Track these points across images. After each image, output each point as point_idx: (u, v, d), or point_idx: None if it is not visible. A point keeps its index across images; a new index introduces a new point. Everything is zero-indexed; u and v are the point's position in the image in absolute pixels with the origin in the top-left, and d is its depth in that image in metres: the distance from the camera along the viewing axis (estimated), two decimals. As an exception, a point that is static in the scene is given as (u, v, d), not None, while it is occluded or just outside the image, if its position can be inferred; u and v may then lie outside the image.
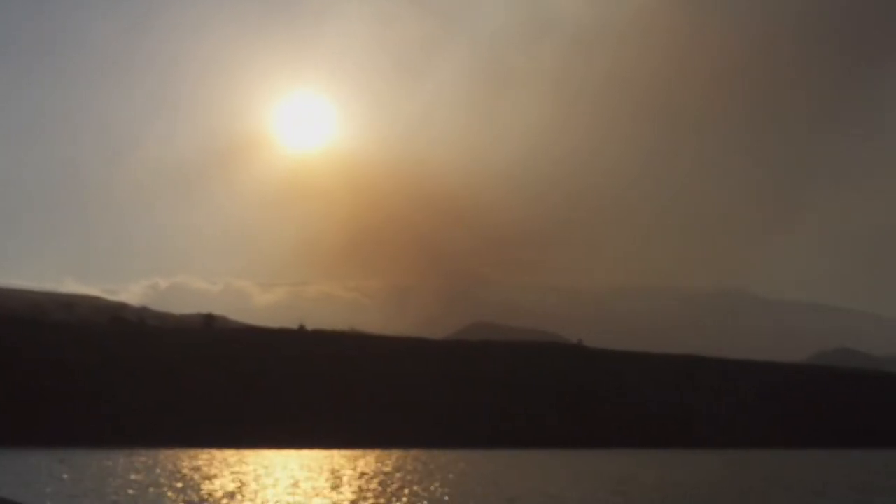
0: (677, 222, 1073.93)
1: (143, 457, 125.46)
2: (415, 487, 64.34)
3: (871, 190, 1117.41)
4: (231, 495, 56.35)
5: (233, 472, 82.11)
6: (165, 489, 59.42)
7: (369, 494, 56.68)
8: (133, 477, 75.77)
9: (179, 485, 64.12)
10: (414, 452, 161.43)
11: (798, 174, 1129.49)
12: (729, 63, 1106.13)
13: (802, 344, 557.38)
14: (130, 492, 60.12)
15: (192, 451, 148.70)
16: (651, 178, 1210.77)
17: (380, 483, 68.60)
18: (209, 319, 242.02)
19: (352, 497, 55.35)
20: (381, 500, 53.59)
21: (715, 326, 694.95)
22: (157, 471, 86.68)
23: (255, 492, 58.32)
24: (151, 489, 60.17)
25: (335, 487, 64.32)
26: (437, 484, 66.90)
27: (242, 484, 65.50)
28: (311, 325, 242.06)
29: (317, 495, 56.17)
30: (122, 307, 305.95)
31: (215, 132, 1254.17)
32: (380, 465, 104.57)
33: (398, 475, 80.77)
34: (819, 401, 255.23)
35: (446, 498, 52.33)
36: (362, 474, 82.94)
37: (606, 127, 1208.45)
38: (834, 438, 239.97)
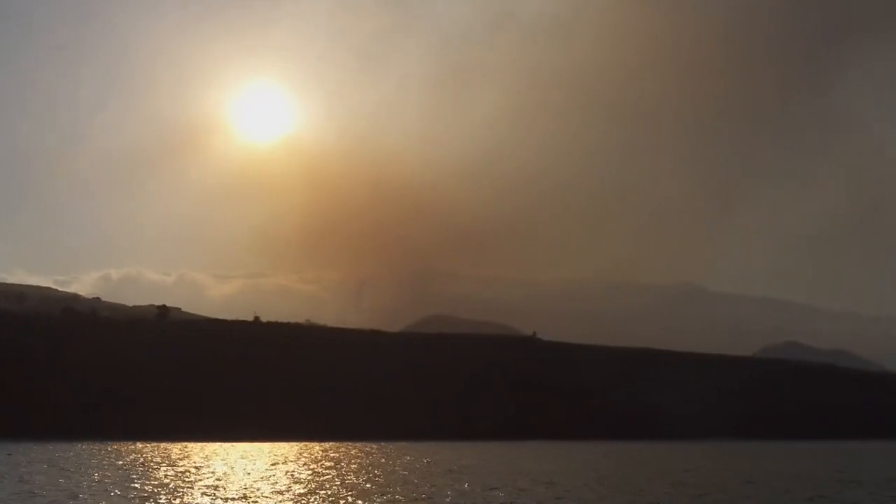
0: (631, 218, 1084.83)
1: (94, 449, 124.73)
2: (348, 479, 64.63)
3: (817, 187, 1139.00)
4: (164, 487, 56.19)
5: (171, 466, 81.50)
6: (89, 484, 58.64)
7: (296, 486, 56.94)
8: (63, 469, 75.08)
9: (111, 480, 62.90)
10: (368, 444, 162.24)
11: (746, 172, 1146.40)
12: (684, 63, 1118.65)
13: (752, 338, 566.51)
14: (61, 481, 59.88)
15: (144, 444, 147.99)
16: (605, 174, 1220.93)
17: (313, 474, 68.73)
18: (163, 311, 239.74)
19: (278, 489, 55.48)
20: (303, 492, 53.92)
21: (668, 320, 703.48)
22: (97, 463, 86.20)
23: (182, 486, 58.08)
24: (85, 483, 59.53)
25: (265, 479, 64.19)
26: (367, 476, 67.34)
27: (175, 478, 64.94)
28: (266, 318, 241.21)
29: (241, 488, 56.15)
30: (74, 298, 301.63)
31: (168, 121, 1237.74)
32: (326, 456, 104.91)
33: (337, 466, 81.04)
34: (768, 393, 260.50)
35: (371, 488, 53.04)
36: (304, 465, 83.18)
37: (564, 123, 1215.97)
38: (782, 430, 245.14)
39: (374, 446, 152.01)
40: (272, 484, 59.78)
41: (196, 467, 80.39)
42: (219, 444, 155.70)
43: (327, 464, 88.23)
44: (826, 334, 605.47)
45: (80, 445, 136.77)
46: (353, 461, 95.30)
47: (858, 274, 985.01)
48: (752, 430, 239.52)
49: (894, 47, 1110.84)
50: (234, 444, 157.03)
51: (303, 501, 49.06)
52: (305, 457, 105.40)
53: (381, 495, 53.69)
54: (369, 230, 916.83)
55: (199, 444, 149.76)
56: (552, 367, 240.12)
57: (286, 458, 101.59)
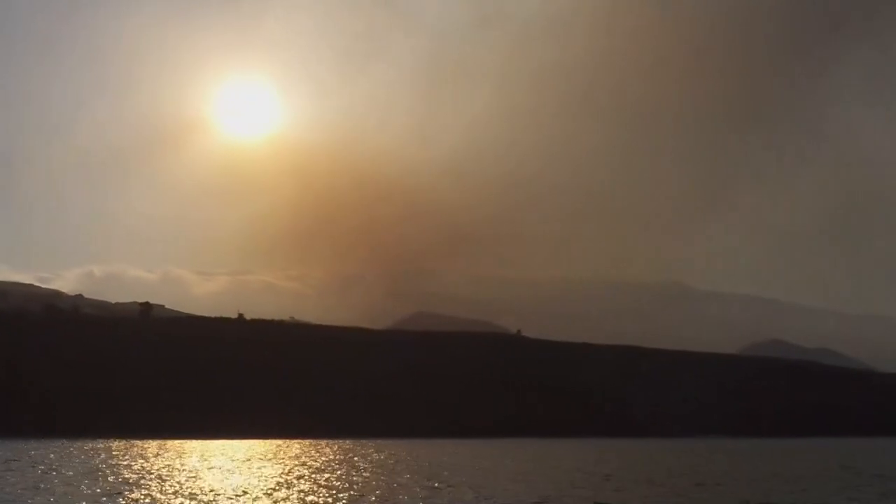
0: (617, 217, 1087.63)
1: (74, 447, 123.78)
2: (325, 475, 64.17)
3: (802, 187, 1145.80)
4: (129, 485, 55.50)
5: (143, 463, 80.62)
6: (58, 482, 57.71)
7: (267, 483, 56.43)
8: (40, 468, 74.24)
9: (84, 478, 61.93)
10: (350, 441, 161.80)
11: (731, 172, 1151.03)
12: (672, 65, 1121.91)
13: (737, 335, 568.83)
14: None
15: (125, 441, 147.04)
16: (592, 174, 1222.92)
17: (286, 472, 68.18)
18: (146, 308, 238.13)
19: (246, 486, 55.01)
20: (274, 488, 53.50)
21: (653, 318, 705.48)
22: (73, 460, 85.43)
23: (151, 483, 57.31)
24: (56, 481, 58.70)
25: (235, 474, 63.60)
26: (340, 473, 66.85)
27: (144, 476, 64.13)
28: (250, 315, 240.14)
29: (207, 484, 55.52)
30: (56, 295, 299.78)
31: (154, 116, 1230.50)
32: (307, 454, 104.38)
33: (313, 464, 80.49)
34: (753, 391, 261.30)
35: (339, 486, 52.75)
36: (278, 463, 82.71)
37: (549, 120, 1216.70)
38: (768, 427, 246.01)
39: (352, 443, 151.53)
40: (220, 481, 59.07)
41: (167, 464, 79.64)
42: (201, 441, 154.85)
43: (292, 462, 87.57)
44: (810, 332, 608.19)
45: (61, 443, 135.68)
46: (323, 458, 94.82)
47: (842, 273, 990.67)
48: (738, 428, 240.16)
49: (879, 49, 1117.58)
50: (217, 441, 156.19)
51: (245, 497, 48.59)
52: (280, 455, 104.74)
53: (315, 490, 53.82)
54: (355, 227, 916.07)
55: (181, 442, 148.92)
56: (537, 365, 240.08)
57: (261, 455, 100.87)
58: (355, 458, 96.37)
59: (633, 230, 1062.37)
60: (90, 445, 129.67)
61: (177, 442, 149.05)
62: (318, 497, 46.29)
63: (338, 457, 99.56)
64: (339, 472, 68.63)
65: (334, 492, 49.33)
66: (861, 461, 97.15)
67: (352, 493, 50.00)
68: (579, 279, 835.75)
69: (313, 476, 64.17)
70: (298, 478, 62.99)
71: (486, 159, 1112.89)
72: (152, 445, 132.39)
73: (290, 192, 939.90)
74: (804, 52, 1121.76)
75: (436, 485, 54.31)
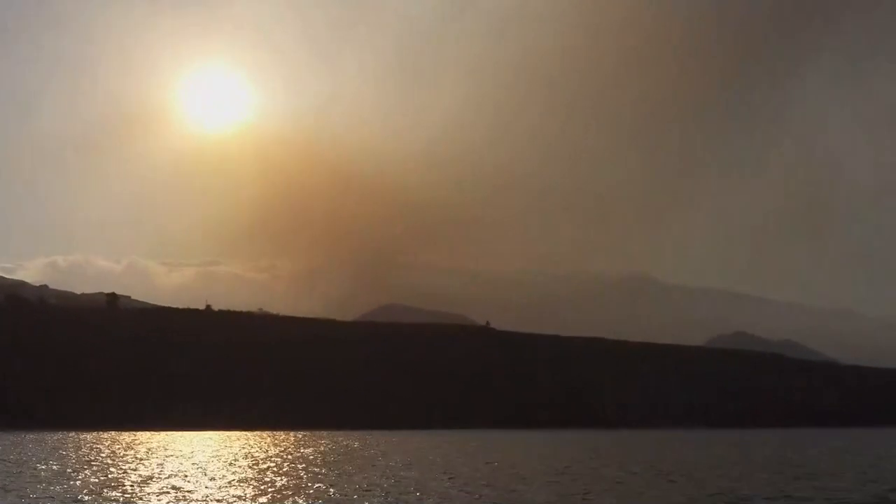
0: (584, 210, 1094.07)
1: (38, 439, 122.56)
2: (285, 468, 64.00)
3: (765, 180, 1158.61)
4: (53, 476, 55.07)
5: (110, 456, 79.98)
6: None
7: (216, 475, 56.31)
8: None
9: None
10: (319, 433, 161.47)
11: (695, 165, 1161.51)
12: (638, 58, 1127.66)
13: (702, 328, 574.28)
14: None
15: (90, 434, 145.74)
16: (559, 166, 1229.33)
17: (238, 466, 67.92)
18: (112, 299, 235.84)
19: (195, 477, 54.99)
20: (219, 479, 53.41)
21: (620, 311, 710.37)
22: (35, 453, 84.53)
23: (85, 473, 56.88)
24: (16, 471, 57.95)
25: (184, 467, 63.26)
26: (288, 465, 66.77)
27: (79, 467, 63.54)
28: (218, 306, 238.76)
29: (144, 475, 55.30)
30: (21, 285, 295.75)
31: (119, 104, 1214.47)
32: (267, 446, 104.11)
33: (275, 456, 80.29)
34: (718, 383, 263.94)
35: (283, 481, 52.78)
36: (232, 454, 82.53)
37: (519, 113, 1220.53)
38: (733, 418, 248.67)
39: (328, 434, 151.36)
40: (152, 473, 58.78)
41: (121, 457, 78.98)
42: (166, 433, 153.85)
43: (238, 453, 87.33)
44: (774, 325, 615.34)
45: (25, 435, 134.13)
46: (274, 450, 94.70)
47: (805, 266, 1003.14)
48: (704, 419, 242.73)
49: (846, 44, 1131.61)
50: (183, 432, 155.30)
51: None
52: (234, 447, 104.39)
53: (242, 478, 54.39)
54: (323, 219, 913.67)
55: (146, 434, 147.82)
56: (505, 357, 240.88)
57: (213, 448, 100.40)
58: (306, 450, 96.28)
59: (600, 223, 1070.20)
60: (56, 437, 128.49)
61: (144, 434, 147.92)
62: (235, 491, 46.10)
63: (286, 448, 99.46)
64: (284, 464, 68.55)
65: (260, 485, 48.99)
66: (824, 452, 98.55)
67: (291, 485, 49.94)
68: (547, 272, 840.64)
69: (248, 468, 63.89)
70: (232, 470, 62.63)
71: (455, 151, 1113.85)
72: (123, 436, 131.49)
73: (259, 183, 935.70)
74: (771, 49, 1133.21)
75: (356, 477, 54.23)
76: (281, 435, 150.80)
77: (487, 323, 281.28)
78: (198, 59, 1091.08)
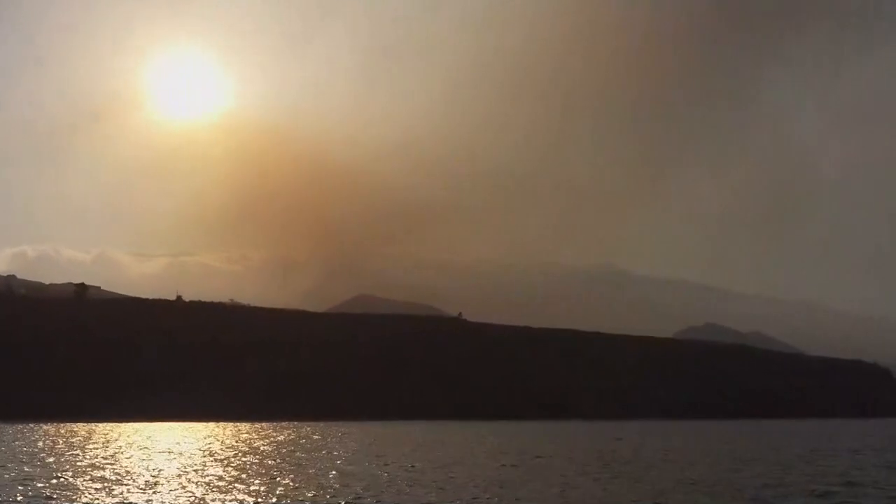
0: (556, 201, 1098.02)
1: (5, 430, 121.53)
2: (244, 458, 64.05)
3: (734, 174, 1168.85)
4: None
5: (73, 448, 79.62)
6: None
7: (170, 466, 56.36)
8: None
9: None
10: (289, 424, 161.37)
11: (665, 158, 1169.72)
12: (609, 50, 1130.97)
13: (672, 319, 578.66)
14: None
15: (60, 425, 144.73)
16: (531, 158, 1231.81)
17: (194, 455, 67.96)
18: (81, 289, 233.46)
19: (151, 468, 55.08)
20: (166, 470, 53.54)
21: (590, 302, 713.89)
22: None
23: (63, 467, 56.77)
24: None
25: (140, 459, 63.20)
26: (255, 456, 66.88)
27: (62, 459, 63.30)
28: (189, 297, 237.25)
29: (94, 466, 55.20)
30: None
31: (87, 92, 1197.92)
32: (232, 437, 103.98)
33: (237, 447, 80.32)
34: (689, 374, 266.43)
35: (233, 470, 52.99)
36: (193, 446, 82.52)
37: (492, 106, 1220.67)
38: (703, 409, 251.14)
39: (298, 425, 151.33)
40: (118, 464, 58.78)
41: (88, 448, 78.72)
42: (136, 424, 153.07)
43: (199, 445, 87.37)
44: (743, 317, 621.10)
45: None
46: (235, 441, 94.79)
47: (774, 259, 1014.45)
48: (674, 410, 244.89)
49: (816, 39, 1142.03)
50: (153, 424, 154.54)
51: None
52: (196, 437, 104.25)
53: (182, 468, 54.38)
54: (296, 210, 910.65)
55: (115, 425, 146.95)
56: (478, 349, 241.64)
57: (173, 438, 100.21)
58: (266, 441, 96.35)
59: (572, 216, 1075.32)
60: (20, 427, 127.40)
61: (112, 425, 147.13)
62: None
63: (244, 439, 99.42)
64: (245, 456, 68.73)
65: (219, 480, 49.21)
66: (789, 442, 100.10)
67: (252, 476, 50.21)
68: (519, 263, 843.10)
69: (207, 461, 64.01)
70: (194, 461, 62.67)
71: (427, 142, 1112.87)
72: (92, 427, 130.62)
73: (231, 174, 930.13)
74: (739, 43, 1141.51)
75: (310, 470, 54.57)
76: (251, 426, 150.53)
77: (459, 314, 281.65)
78: (171, 47, 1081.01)
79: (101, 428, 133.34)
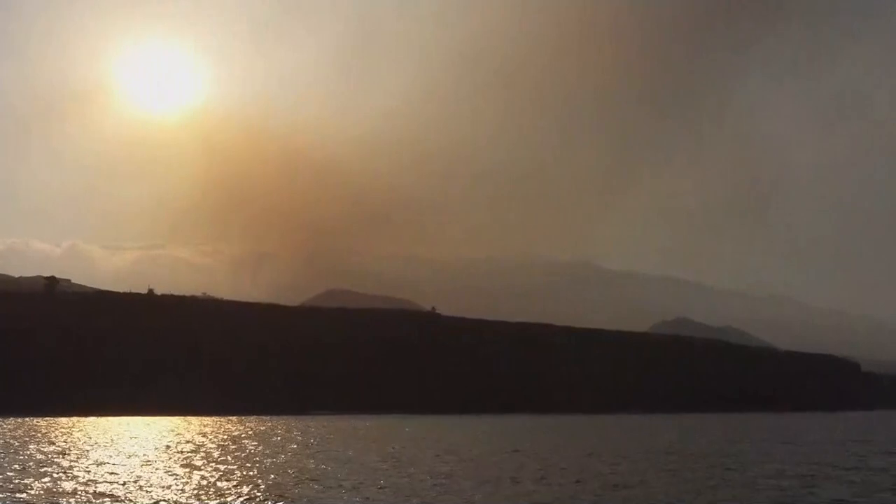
0: (529, 196, 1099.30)
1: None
2: (213, 453, 63.48)
3: (707, 170, 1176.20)
4: None
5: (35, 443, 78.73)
6: None
7: (135, 461, 55.77)
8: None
9: None
10: (260, 419, 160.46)
11: (638, 154, 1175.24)
12: (584, 47, 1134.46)
13: (645, 314, 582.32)
14: None
15: (27, 420, 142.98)
16: (506, 153, 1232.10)
17: (158, 450, 67.42)
18: (51, 282, 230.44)
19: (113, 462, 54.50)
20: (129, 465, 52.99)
21: (565, 297, 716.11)
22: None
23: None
24: None
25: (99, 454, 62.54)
26: (218, 452, 66.38)
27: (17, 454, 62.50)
28: (161, 290, 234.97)
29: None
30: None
31: (59, 83, 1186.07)
32: (202, 432, 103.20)
33: (200, 443, 79.67)
34: (661, 368, 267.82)
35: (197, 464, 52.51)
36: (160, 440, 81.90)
37: (464, 99, 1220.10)
38: (675, 404, 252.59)
39: (270, 420, 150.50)
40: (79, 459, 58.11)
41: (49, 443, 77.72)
42: (108, 418, 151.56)
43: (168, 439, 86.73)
44: (715, 311, 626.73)
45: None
46: (193, 435, 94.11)
47: (745, 254, 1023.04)
48: (647, 404, 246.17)
49: (785, 35, 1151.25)
50: (122, 417, 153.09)
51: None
52: (160, 431, 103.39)
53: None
54: (269, 203, 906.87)
55: (83, 419, 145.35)
56: (451, 343, 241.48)
57: (138, 433, 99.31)
58: (221, 436, 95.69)
59: (545, 210, 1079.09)
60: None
61: (82, 419, 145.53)
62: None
63: (205, 432, 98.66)
64: (181, 444, 68.26)
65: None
66: (758, 436, 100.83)
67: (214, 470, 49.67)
68: (493, 257, 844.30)
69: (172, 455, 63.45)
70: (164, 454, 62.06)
71: (402, 137, 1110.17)
72: (61, 422, 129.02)
73: (204, 166, 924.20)
74: (712, 39, 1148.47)
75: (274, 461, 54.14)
76: (222, 420, 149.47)
77: (433, 308, 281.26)
78: (144, 39, 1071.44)
79: (65, 422, 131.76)
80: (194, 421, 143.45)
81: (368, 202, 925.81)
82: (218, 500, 35.69)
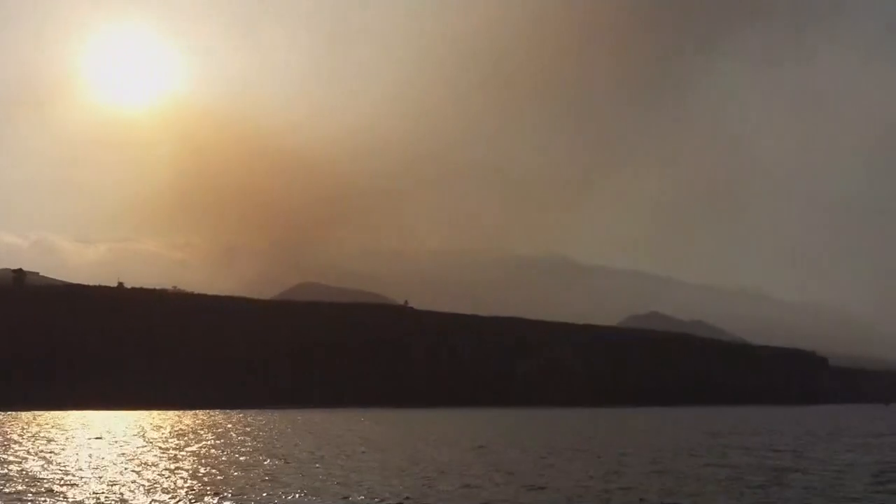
0: (502, 190, 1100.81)
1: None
2: (183, 448, 63.21)
3: (677, 164, 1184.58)
4: None
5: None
6: None
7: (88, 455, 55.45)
8: None
9: None
10: (232, 412, 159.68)
11: (609, 148, 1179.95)
12: (555, 39, 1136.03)
13: (617, 308, 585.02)
14: None
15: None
16: (478, 146, 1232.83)
17: (118, 444, 67.04)
18: (19, 275, 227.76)
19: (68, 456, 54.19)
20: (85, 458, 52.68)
21: (537, 290, 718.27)
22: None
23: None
24: None
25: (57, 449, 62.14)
26: (176, 444, 66.18)
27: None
28: (131, 284, 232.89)
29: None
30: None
31: (26, 69, 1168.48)
32: (170, 425, 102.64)
33: (169, 436, 79.20)
34: (633, 362, 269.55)
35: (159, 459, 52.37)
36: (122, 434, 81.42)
37: (438, 93, 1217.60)
38: (647, 396, 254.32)
39: (244, 413, 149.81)
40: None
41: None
42: (77, 412, 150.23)
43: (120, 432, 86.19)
44: (685, 305, 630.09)
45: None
46: (166, 429, 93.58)
47: (715, 248, 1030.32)
48: (619, 397, 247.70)
49: (756, 29, 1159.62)
50: (91, 412, 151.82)
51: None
52: (125, 425, 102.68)
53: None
54: (241, 196, 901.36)
55: (52, 413, 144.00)
56: (424, 336, 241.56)
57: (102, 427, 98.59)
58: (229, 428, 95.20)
59: (518, 204, 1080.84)
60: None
61: (51, 413, 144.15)
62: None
63: (174, 426, 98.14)
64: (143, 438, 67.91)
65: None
66: (728, 428, 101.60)
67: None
68: (466, 251, 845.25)
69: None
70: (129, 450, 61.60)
71: (375, 129, 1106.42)
72: (25, 416, 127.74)
73: (176, 159, 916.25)
74: (682, 33, 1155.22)
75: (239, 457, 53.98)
76: (188, 414, 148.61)
77: (406, 302, 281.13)
78: (115, 27, 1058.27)
79: (27, 417, 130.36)
80: (156, 415, 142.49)
81: (342, 196, 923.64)
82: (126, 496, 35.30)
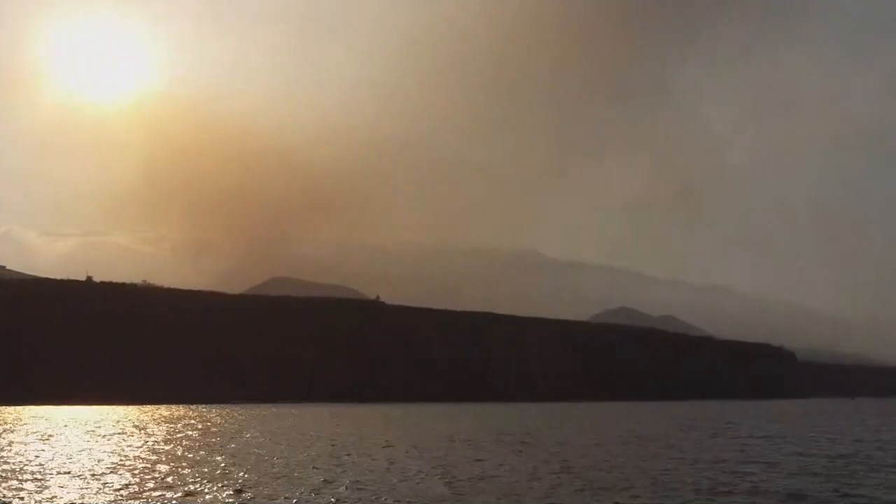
0: (473, 184, 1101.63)
1: None
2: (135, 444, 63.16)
3: (648, 160, 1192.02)
4: None
5: None
6: None
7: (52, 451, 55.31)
8: None
9: None
10: (200, 408, 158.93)
11: (580, 143, 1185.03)
12: (526, 36, 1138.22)
13: (587, 303, 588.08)
14: None
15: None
16: (450, 141, 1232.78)
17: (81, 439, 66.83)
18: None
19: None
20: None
21: (508, 286, 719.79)
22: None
23: None
24: None
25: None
26: (142, 440, 66.03)
27: None
28: (100, 278, 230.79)
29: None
30: None
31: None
32: (135, 420, 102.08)
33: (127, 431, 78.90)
34: (604, 357, 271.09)
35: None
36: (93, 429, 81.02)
37: (409, 87, 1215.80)
38: (618, 391, 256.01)
39: (212, 409, 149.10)
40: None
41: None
42: (44, 407, 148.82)
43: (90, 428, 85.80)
44: (655, 301, 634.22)
45: None
46: (138, 424, 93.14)
47: (685, 244, 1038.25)
48: (591, 392, 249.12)
49: (725, 26, 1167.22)
50: (60, 407, 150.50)
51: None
52: (93, 421, 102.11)
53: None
54: (212, 191, 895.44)
55: (19, 408, 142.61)
56: (395, 331, 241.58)
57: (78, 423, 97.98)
58: (161, 424, 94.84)
59: (490, 199, 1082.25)
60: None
61: (17, 409, 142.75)
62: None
63: (148, 421, 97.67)
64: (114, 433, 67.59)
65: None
66: (700, 421, 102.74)
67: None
68: (439, 246, 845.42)
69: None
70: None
71: (348, 124, 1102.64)
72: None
73: (146, 151, 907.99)
74: (651, 29, 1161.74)
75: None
76: (160, 408, 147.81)
77: (377, 297, 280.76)
78: (85, 18, 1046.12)
79: (8, 411, 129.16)
80: (120, 410, 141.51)
81: (314, 189, 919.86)
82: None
